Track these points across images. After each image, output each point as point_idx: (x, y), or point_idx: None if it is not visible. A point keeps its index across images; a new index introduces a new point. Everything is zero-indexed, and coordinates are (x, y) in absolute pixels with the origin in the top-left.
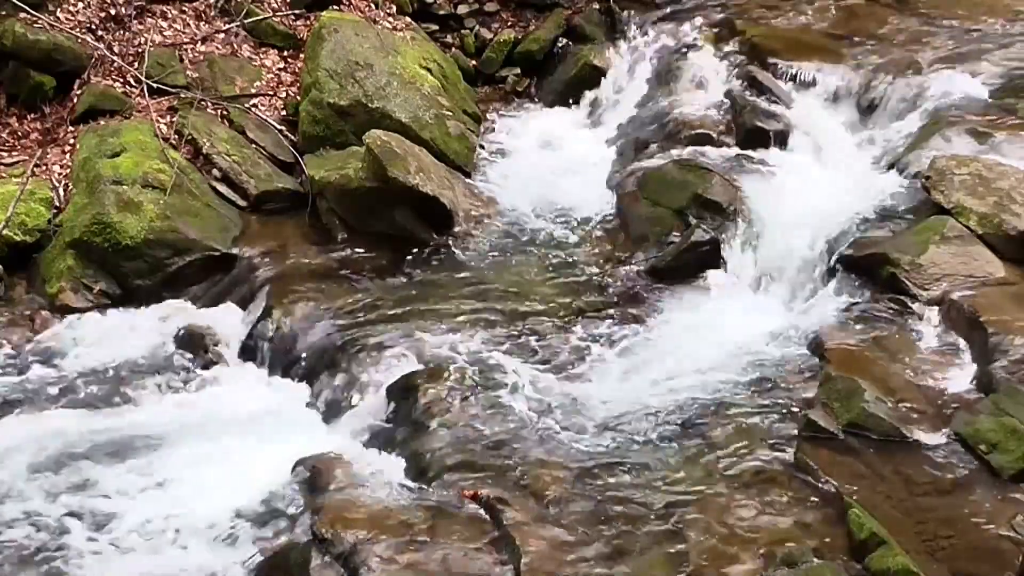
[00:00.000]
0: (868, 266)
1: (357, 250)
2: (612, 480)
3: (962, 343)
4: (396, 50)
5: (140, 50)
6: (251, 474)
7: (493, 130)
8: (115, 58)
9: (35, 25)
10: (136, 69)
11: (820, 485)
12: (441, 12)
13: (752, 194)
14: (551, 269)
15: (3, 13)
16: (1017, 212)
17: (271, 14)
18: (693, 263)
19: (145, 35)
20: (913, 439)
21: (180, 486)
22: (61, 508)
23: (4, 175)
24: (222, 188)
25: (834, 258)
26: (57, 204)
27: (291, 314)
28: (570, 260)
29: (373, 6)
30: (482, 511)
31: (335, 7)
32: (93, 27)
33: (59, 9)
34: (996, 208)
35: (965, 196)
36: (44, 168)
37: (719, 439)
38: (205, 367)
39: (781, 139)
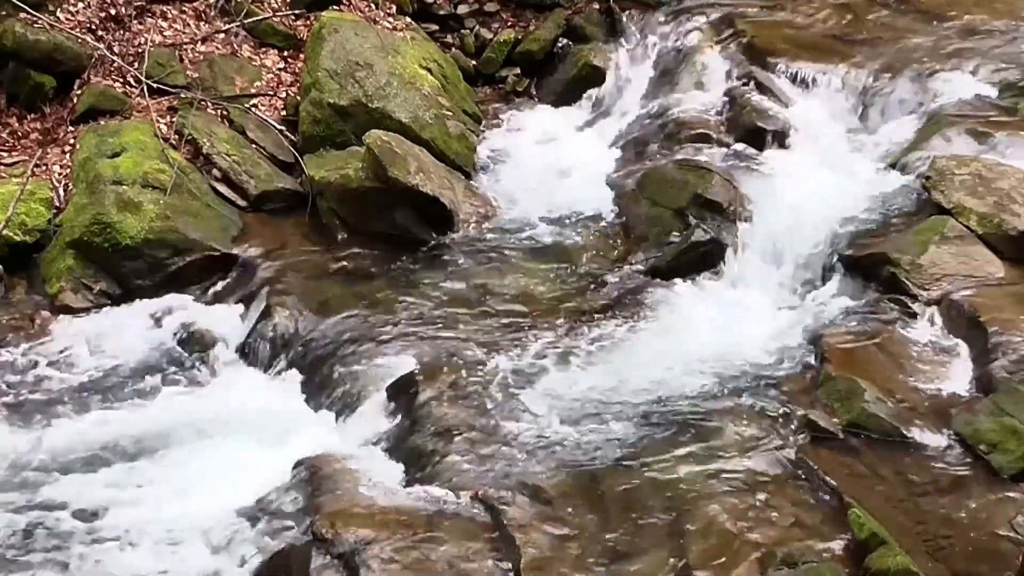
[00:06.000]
0: (868, 266)
1: (357, 250)
2: (612, 480)
3: (962, 343)
4: (396, 50)
5: (140, 50)
6: (251, 474)
7: (493, 130)
8: (115, 58)
9: (35, 25)
10: (136, 69)
11: (820, 485)
12: (441, 12)
13: (752, 194)
14: (551, 269)
15: (3, 13)
16: (1017, 212)
17: (271, 14)
18: (693, 263)
19: (145, 35)
20: (913, 439)
21: (180, 486)
22: (61, 508)
23: (4, 175)
24: (222, 188)
25: (834, 258)
26: (57, 204)
27: (291, 314)
28: (570, 260)
29: (373, 6)
30: (482, 511)
31: (335, 7)
32: (93, 27)
33: (59, 9)
34: (996, 208)
35: (965, 196)
36: (44, 168)
37: (719, 439)
38: (205, 367)
39: (781, 139)
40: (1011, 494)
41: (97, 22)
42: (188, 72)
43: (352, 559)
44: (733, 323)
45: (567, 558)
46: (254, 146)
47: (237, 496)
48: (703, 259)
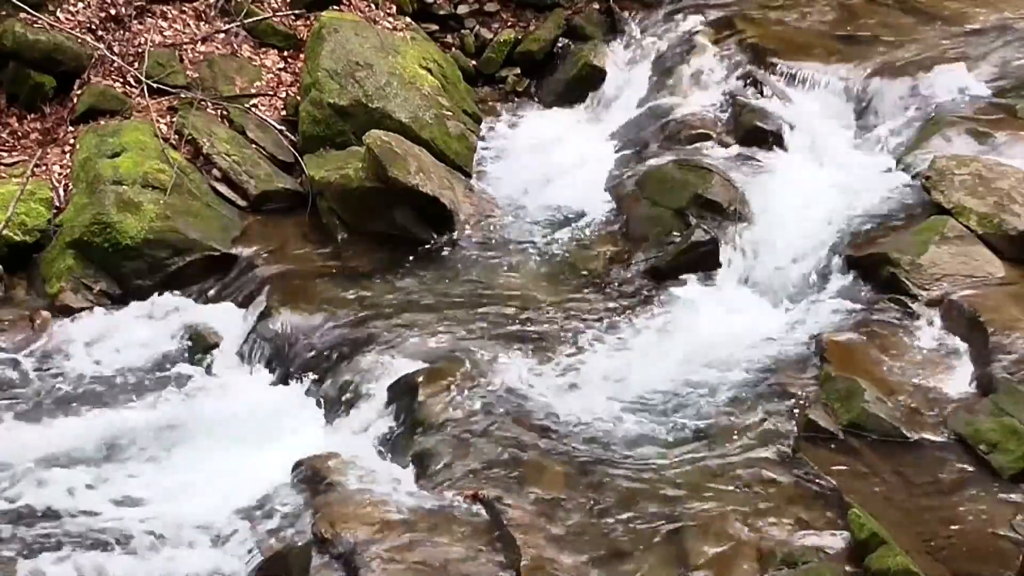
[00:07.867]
0: (868, 266)
1: (357, 250)
2: (612, 480)
3: (962, 343)
4: (396, 50)
5: (140, 50)
6: (251, 474)
7: (493, 130)
8: (115, 58)
9: (35, 25)
10: (136, 69)
11: (820, 485)
12: (441, 12)
13: (752, 194)
14: (551, 269)
15: (3, 13)
16: (1017, 212)
17: (271, 14)
18: (693, 263)
19: (145, 35)
20: (913, 439)
21: (180, 486)
22: (61, 508)
23: (4, 175)
24: (222, 188)
25: (834, 258)
26: (57, 204)
27: (291, 314)
28: (570, 260)
29: (373, 6)
30: (482, 511)
31: (335, 7)
32: (93, 27)
33: (59, 9)
34: (996, 208)
35: (965, 196)
36: (44, 168)
37: (719, 439)
38: (205, 367)
39: (781, 139)
40: (1011, 494)
41: (97, 22)
42: (188, 72)
43: (352, 559)
44: (733, 323)
45: (567, 558)
46: (254, 146)
47: (237, 496)
48: (703, 259)
